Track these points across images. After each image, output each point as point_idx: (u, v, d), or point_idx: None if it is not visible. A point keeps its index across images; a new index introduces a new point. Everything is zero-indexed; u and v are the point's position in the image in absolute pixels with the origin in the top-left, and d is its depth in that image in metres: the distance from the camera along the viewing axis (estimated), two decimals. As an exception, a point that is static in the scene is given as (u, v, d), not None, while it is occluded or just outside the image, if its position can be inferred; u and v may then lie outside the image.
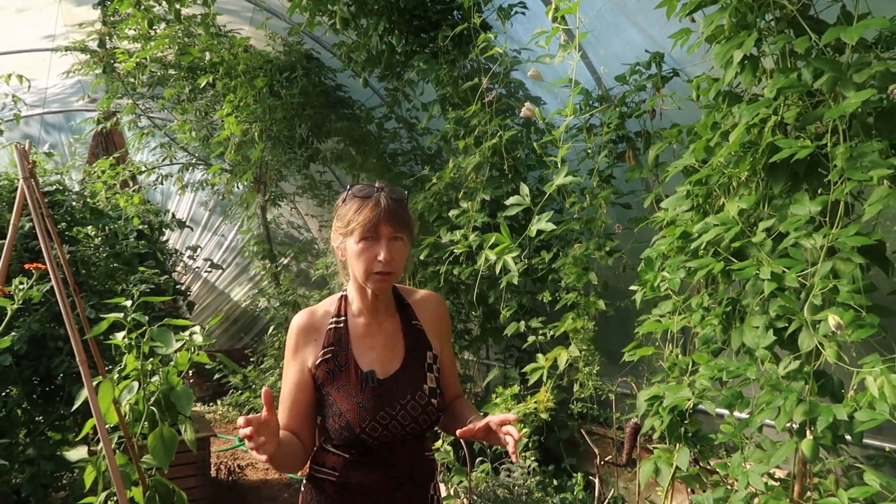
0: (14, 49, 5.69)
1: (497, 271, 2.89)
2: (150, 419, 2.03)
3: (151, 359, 2.08)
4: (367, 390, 1.57)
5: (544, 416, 3.28)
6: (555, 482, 3.56)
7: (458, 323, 4.09)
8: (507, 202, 2.59)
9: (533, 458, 3.40)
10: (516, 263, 2.84)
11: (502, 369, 3.98)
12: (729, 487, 2.05)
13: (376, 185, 1.60)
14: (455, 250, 3.32)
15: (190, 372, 2.18)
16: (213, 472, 4.63)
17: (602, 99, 3.16)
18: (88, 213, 3.63)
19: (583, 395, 3.19)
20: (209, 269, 7.52)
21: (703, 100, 2.17)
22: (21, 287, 2.09)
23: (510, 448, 1.41)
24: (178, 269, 6.77)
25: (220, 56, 4.94)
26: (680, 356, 2.22)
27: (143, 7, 4.58)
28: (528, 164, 3.47)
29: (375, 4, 3.82)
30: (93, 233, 3.93)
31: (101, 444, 1.98)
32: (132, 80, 5.69)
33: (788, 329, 1.72)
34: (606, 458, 3.15)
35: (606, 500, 3.22)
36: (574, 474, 3.62)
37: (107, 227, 3.93)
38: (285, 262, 7.73)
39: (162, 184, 6.64)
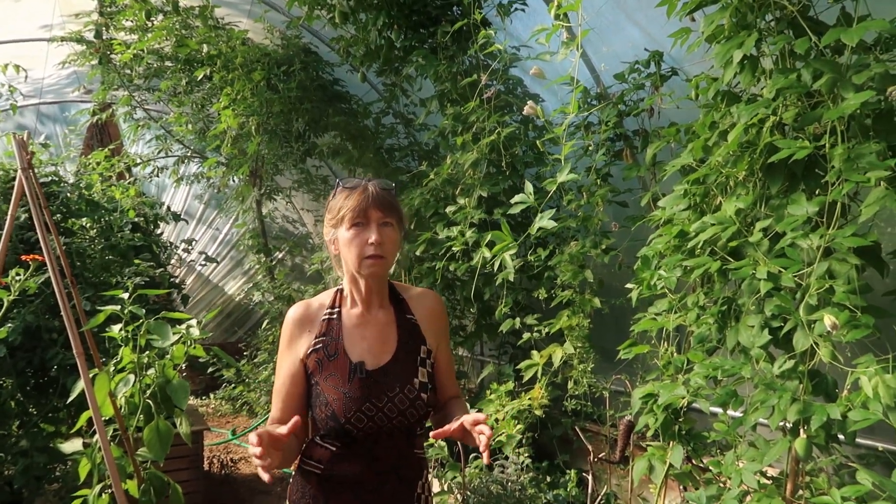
0: (10, 38, 5.66)
1: (494, 268, 2.90)
2: (145, 412, 2.03)
3: (148, 352, 2.08)
4: (354, 381, 1.57)
5: (538, 412, 3.28)
6: (548, 478, 3.57)
7: (454, 319, 4.09)
8: (512, 200, 2.59)
9: (526, 455, 3.41)
10: (513, 260, 2.84)
11: (497, 366, 3.98)
12: (722, 485, 2.07)
13: (364, 177, 1.64)
14: (454, 247, 3.32)
15: (183, 365, 2.17)
16: (205, 466, 4.62)
17: (600, 97, 3.17)
18: (84, 205, 3.61)
19: (577, 393, 3.20)
20: (203, 263, 7.50)
21: (702, 99, 2.18)
22: (18, 278, 2.09)
23: (482, 447, 1.40)
24: (173, 262, 6.75)
25: (218, 49, 4.93)
26: (675, 354, 2.23)
27: (140, -2, 4.56)
28: (526, 161, 3.48)
29: (375, -1, 3.81)
30: (88, 225, 3.91)
31: (96, 437, 1.98)
32: (128, 71, 5.67)
33: (784, 328, 1.73)
34: (600, 455, 3.17)
35: (599, 497, 3.23)
36: (567, 471, 3.64)
37: (102, 220, 3.91)
38: (280, 256, 7.72)
39: (157, 176, 6.62)
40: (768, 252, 1.79)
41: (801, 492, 1.97)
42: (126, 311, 2.06)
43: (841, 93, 1.63)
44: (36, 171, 2.17)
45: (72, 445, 2.24)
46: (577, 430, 3.39)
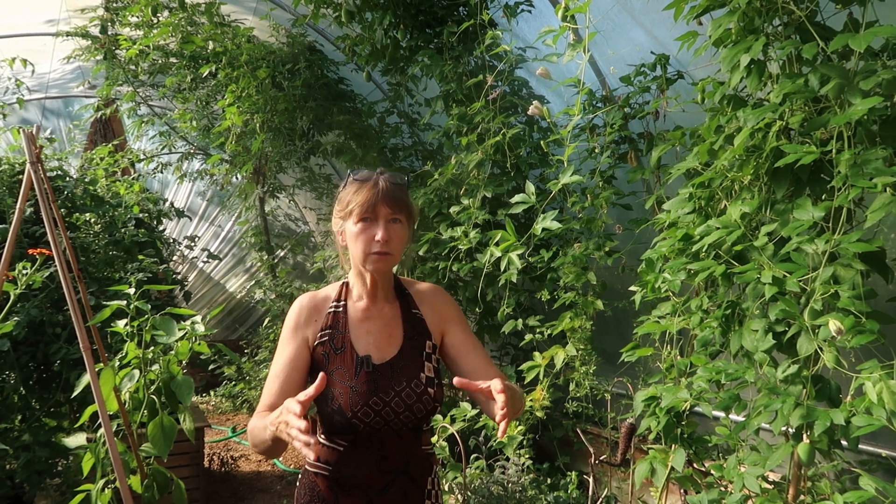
0: (15, 33, 5.67)
1: (502, 268, 2.90)
2: (149, 408, 2.03)
3: (152, 347, 2.08)
4: (361, 374, 1.56)
5: (539, 414, 3.29)
6: (549, 480, 3.57)
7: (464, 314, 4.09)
8: (513, 200, 2.59)
9: (527, 456, 3.41)
10: (518, 261, 2.85)
11: (499, 367, 3.98)
12: (723, 489, 2.07)
13: (378, 170, 1.63)
14: (459, 246, 3.33)
15: (184, 362, 2.18)
16: (205, 463, 4.63)
17: (606, 99, 3.17)
18: (89, 200, 3.62)
19: (578, 395, 3.20)
20: (206, 260, 7.50)
21: (708, 103, 2.18)
22: (24, 272, 2.09)
23: (497, 419, 1.30)
24: (175, 258, 6.76)
25: (224, 46, 4.94)
26: (678, 358, 2.23)
27: (147, -6, 4.57)
28: (530, 163, 3.48)
29: (381, -2, 3.82)
30: (92, 220, 3.92)
31: (100, 431, 1.98)
32: (133, 67, 5.67)
33: (788, 333, 1.73)
34: (601, 458, 3.17)
35: (600, 500, 3.24)
36: (568, 473, 3.64)
37: (106, 215, 3.92)
38: (282, 254, 7.72)
39: (161, 172, 6.63)
40: (773, 256, 1.79)
41: (802, 497, 1.97)
42: (132, 307, 2.06)
43: (848, 98, 1.64)
44: (44, 165, 2.17)
45: (75, 440, 2.25)
46: (579, 432, 3.40)
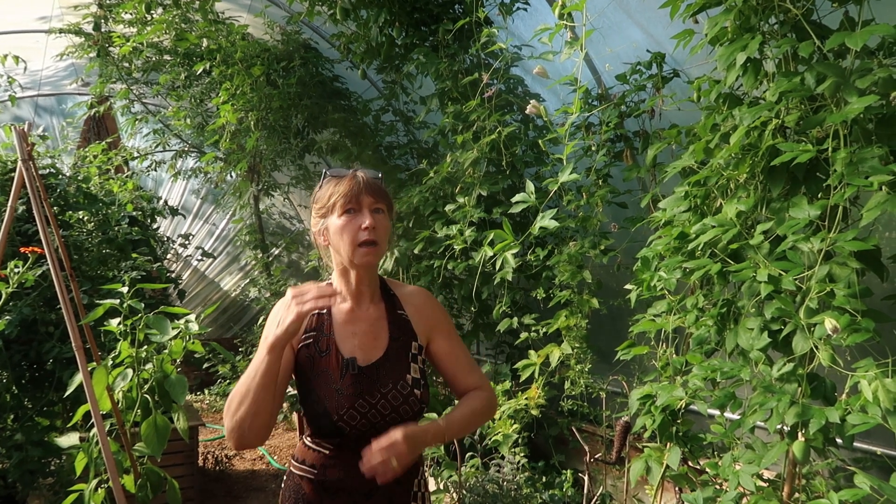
0: (7, 30, 5.63)
1: (494, 267, 2.89)
2: (143, 407, 2.02)
3: (146, 346, 2.06)
4: (346, 377, 1.54)
5: (535, 412, 3.29)
6: (544, 478, 3.57)
7: (451, 318, 4.09)
8: (513, 200, 2.59)
9: (522, 454, 3.41)
10: (514, 260, 2.84)
11: (494, 365, 3.98)
12: (718, 487, 2.07)
13: (352, 166, 1.62)
14: (454, 245, 3.32)
15: (178, 361, 2.17)
16: (200, 462, 4.61)
17: (602, 97, 3.17)
18: (82, 198, 3.60)
19: (573, 393, 3.20)
20: (200, 258, 7.48)
21: (704, 101, 2.18)
22: (17, 270, 2.07)
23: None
24: (169, 256, 6.73)
25: (218, 43, 4.91)
26: (673, 356, 2.23)
27: (140, -9, 4.54)
28: (526, 161, 3.48)
29: (376, -5, 3.80)
30: (85, 218, 3.90)
31: (93, 431, 1.97)
32: (127, 64, 5.64)
33: (783, 331, 1.74)
34: (596, 456, 3.17)
35: (595, 498, 3.24)
36: (563, 471, 3.64)
37: (100, 213, 3.89)
38: (277, 252, 7.71)
39: (155, 170, 6.60)
40: (769, 255, 1.79)
41: (797, 495, 1.97)
42: (125, 305, 2.05)
43: (844, 97, 1.64)
44: (35, 162, 2.15)
45: (68, 440, 2.23)
46: (574, 430, 3.40)
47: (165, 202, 5.70)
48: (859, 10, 1.72)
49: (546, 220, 2.50)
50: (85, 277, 3.39)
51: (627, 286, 2.33)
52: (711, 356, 2.08)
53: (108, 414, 2.13)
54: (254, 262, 7.04)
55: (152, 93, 5.95)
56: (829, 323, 1.54)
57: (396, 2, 3.79)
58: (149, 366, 2.07)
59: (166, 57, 5.53)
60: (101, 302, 2.04)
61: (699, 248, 1.97)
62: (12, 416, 3.09)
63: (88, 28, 5.46)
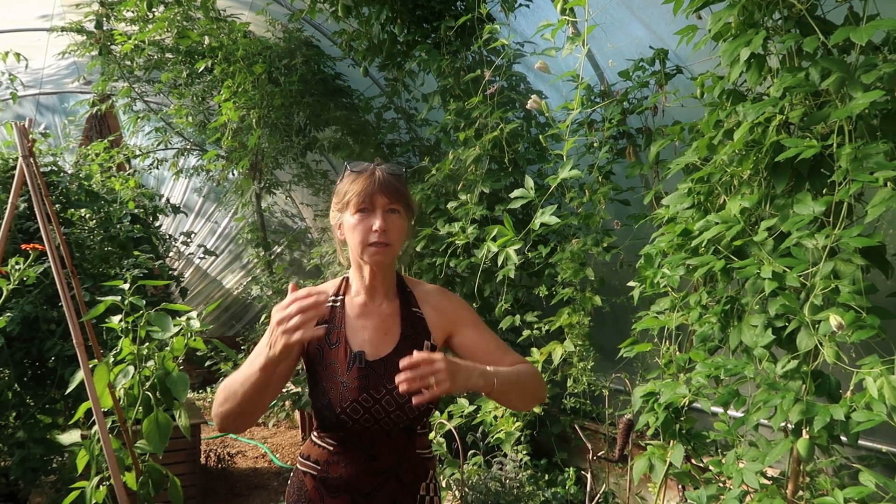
0: (9, 28, 5.63)
1: (497, 264, 2.89)
2: (144, 404, 2.02)
3: (147, 343, 2.06)
4: (353, 370, 1.53)
5: (537, 410, 3.28)
6: (546, 476, 3.57)
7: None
8: (512, 195, 2.58)
9: (525, 452, 3.41)
10: (516, 257, 2.84)
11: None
12: (722, 485, 2.06)
13: (374, 161, 1.60)
14: (456, 242, 3.31)
15: (180, 359, 2.16)
16: (202, 460, 4.62)
17: (604, 94, 3.16)
18: (83, 196, 3.59)
19: (576, 391, 3.20)
20: (202, 256, 7.49)
21: (707, 97, 2.17)
22: (17, 267, 2.07)
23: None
24: (171, 254, 6.74)
25: (219, 41, 4.91)
26: (677, 353, 2.22)
27: (142, -12, 4.53)
28: (528, 158, 3.47)
29: (378, -7, 3.79)
30: (87, 215, 3.89)
31: (95, 428, 1.97)
32: (129, 62, 5.64)
33: (787, 328, 1.73)
34: (599, 454, 3.16)
35: (598, 496, 3.23)
36: (566, 469, 3.64)
37: (101, 210, 3.89)
38: (279, 250, 7.71)
39: (157, 168, 6.60)
40: (773, 251, 1.78)
41: (801, 492, 1.97)
42: (126, 302, 2.04)
43: (849, 92, 1.63)
44: (37, 159, 2.15)
45: (69, 437, 2.23)
46: (576, 428, 3.39)
47: (167, 200, 5.69)
48: (864, 5, 1.71)
49: (546, 217, 2.50)
50: (87, 275, 3.39)
51: (630, 283, 2.33)
52: (715, 353, 2.07)
53: (110, 411, 2.12)
54: (256, 260, 7.04)
55: (154, 91, 5.95)
56: (833, 320, 1.53)
57: (398, -1, 3.78)
58: (150, 363, 2.06)
59: (168, 55, 5.53)
60: (102, 299, 2.03)
61: (703, 245, 1.96)
62: (14, 414, 3.09)
63: (90, 26, 5.45)
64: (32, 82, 6.45)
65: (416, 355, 1.35)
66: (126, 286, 2.05)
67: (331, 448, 1.58)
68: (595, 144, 3.01)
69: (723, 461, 1.94)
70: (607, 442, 3.53)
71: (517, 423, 3.23)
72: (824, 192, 1.74)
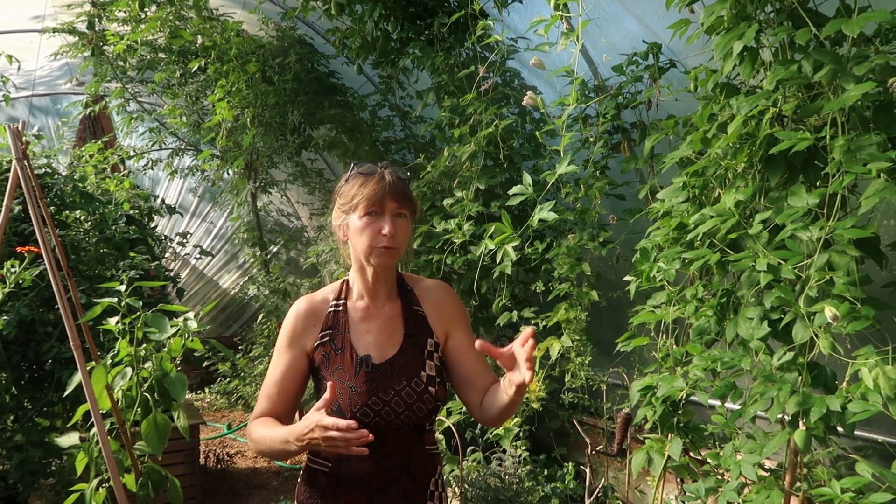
0: (0, 29, 5.60)
1: (497, 260, 2.89)
2: (142, 405, 2.02)
3: (145, 345, 2.06)
4: (360, 374, 1.55)
5: (535, 405, 3.29)
6: (545, 471, 3.58)
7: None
8: (511, 192, 2.58)
9: (524, 448, 3.42)
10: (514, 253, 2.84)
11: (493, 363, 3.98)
12: (720, 477, 2.07)
13: (381, 163, 1.59)
14: (453, 239, 3.31)
15: (178, 359, 2.16)
16: (201, 460, 4.62)
17: (598, 89, 3.16)
18: (78, 197, 3.58)
19: (574, 386, 3.20)
20: (198, 256, 7.47)
21: (701, 91, 2.17)
22: (13, 270, 2.06)
23: (525, 375, 1.32)
24: (167, 255, 6.72)
25: (212, 40, 4.89)
26: (673, 347, 2.23)
27: (134, -11, 4.52)
28: (524, 154, 3.47)
29: (371, -10, 3.78)
30: (82, 217, 3.88)
31: (93, 430, 1.97)
32: (121, 63, 5.62)
33: (783, 320, 1.73)
34: (597, 448, 3.17)
35: (597, 490, 3.24)
36: (565, 464, 3.65)
37: (96, 212, 3.88)
38: (275, 249, 7.70)
39: (151, 169, 6.58)
40: (768, 244, 1.79)
41: (799, 483, 1.98)
42: (123, 304, 2.04)
43: (841, 84, 1.63)
44: (31, 161, 2.14)
45: (68, 439, 2.23)
46: (575, 422, 3.40)
47: (163, 201, 5.68)
48: (856, -3, 1.71)
49: (544, 213, 2.50)
50: (82, 277, 3.38)
51: (627, 278, 2.33)
52: (711, 346, 2.08)
53: (108, 413, 2.12)
54: (252, 260, 7.03)
55: (147, 91, 5.93)
56: (828, 311, 1.53)
57: (391, -4, 3.78)
58: (148, 364, 2.06)
59: (161, 55, 5.51)
60: (98, 301, 2.03)
61: (698, 239, 1.96)
62: (12, 417, 3.09)
63: (82, 27, 5.43)
64: (25, 84, 6.42)
65: (527, 335, 1.35)
66: (122, 288, 2.05)
67: None
68: (590, 139, 3.01)
69: (720, 454, 1.95)
70: (606, 436, 3.54)
71: (516, 420, 3.24)
72: (818, 184, 1.75)
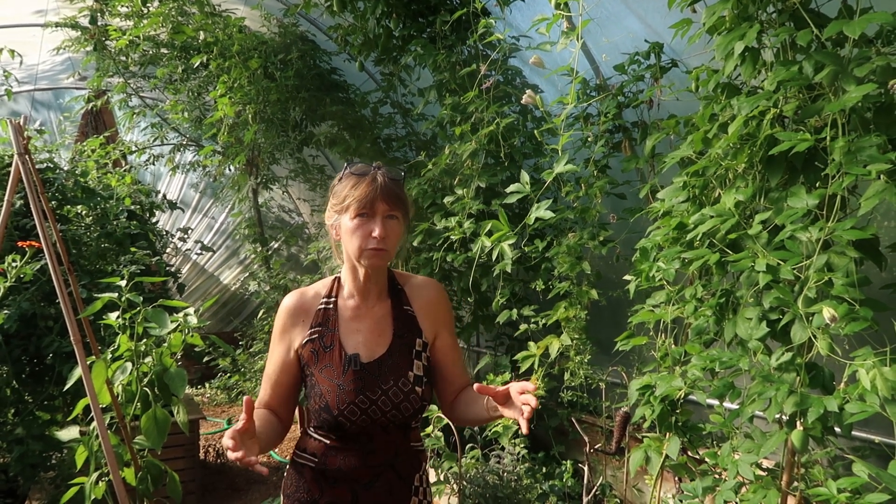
0: (2, 24, 5.60)
1: (493, 259, 2.89)
2: (142, 400, 2.03)
3: (145, 339, 2.07)
4: (349, 373, 1.56)
5: (534, 403, 3.28)
6: (544, 469, 3.58)
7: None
8: (508, 189, 2.58)
9: (522, 446, 3.42)
10: (512, 251, 2.84)
11: (493, 357, 3.99)
12: (717, 476, 2.08)
13: (374, 164, 1.60)
14: (451, 237, 3.32)
15: (178, 354, 2.17)
16: (201, 455, 4.63)
17: (600, 88, 3.16)
18: (80, 192, 3.59)
19: (573, 384, 3.21)
20: (199, 252, 7.48)
21: (702, 91, 2.18)
22: (14, 265, 2.07)
23: (524, 418, 1.33)
24: (168, 251, 6.73)
25: (215, 36, 4.89)
26: (672, 346, 2.23)
27: (136, -16, 4.52)
28: (525, 152, 3.47)
29: (373, -13, 3.78)
30: (84, 212, 3.89)
31: (93, 424, 1.97)
32: (124, 58, 5.62)
33: (782, 321, 1.74)
34: (596, 446, 3.18)
35: (595, 488, 3.25)
36: (563, 462, 3.66)
37: (98, 207, 3.89)
38: (276, 245, 7.70)
39: (153, 164, 6.58)
40: (767, 244, 1.79)
41: (796, 483, 1.98)
42: (123, 299, 2.05)
43: (842, 85, 1.63)
44: (32, 156, 2.15)
45: (68, 433, 2.24)
46: (574, 421, 3.41)
47: (164, 196, 5.68)
48: (857, -1, 1.71)
49: (541, 211, 2.50)
50: (84, 272, 3.38)
51: (626, 277, 2.33)
52: (710, 346, 2.09)
53: (108, 407, 2.13)
54: (253, 256, 7.04)
55: (150, 86, 5.93)
56: (826, 312, 1.54)
57: (393, -7, 3.78)
58: (148, 359, 2.07)
59: (163, 50, 5.51)
60: (99, 296, 2.04)
61: (698, 239, 1.97)
62: (13, 411, 3.10)
63: (85, 22, 5.43)
64: (27, 78, 6.42)
65: (527, 389, 1.37)
66: (123, 283, 2.06)
67: (328, 442, 1.61)
68: (591, 138, 3.01)
69: (718, 453, 1.96)
70: (604, 435, 3.54)
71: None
72: (818, 185, 1.75)
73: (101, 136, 5.94)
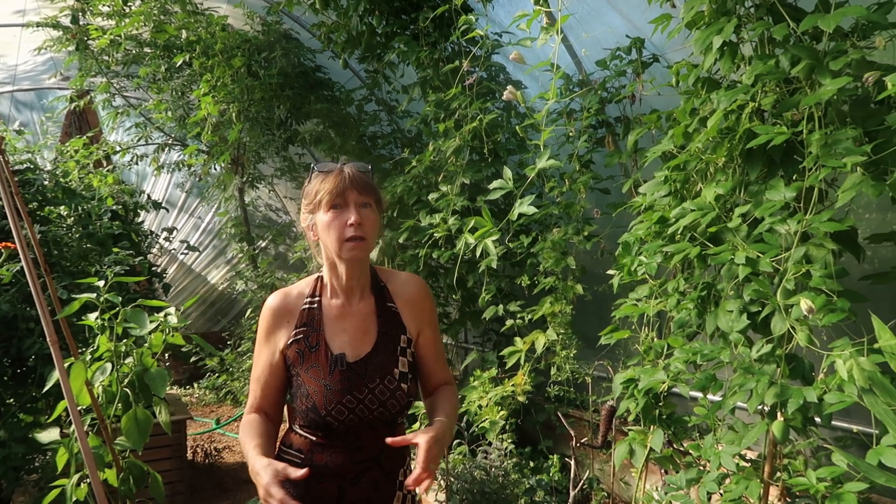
0: (-18, 24, 5.54)
1: (477, 255, 2.89)
2: (123, 401, 2.01)
3: (125, 340, 2.05)
4: (335, 373, 1.56)
5: (521, 399, 3.30)
6: (531, 464, 3.59)
7: (437, 306, 4.09)
8: (491, 186, 2.58)
9: (510, 441, 3.43)
10: (496, 247, 2.84)
11: (480, 353, 3.99)
12: (701, 468, 2.09)
13: (340, 161, 1.63)
14: (435, 234, 3.31)
15: (166, 355, 2.16)
16: (189, 455, 4.60)
17: (582, 83, 3.16)
18: (61, 193, 3.56)
19: (560, 379, 3.22)
20: (185, 252, 7.43)
21: (683, 86, 2.18)
22: (-9, 266, 2.05)
23: (410, 479, 1.40)
24: (154, 251, 6.68)
25: (197, 34, 4.86)
26: (655, 340, 2.24)
27: (117, -18, 4.47)
28: (508, 148, 3.47)
29: (356, -16, 3.77)
30: (65, 213, 3.85)
31: (73, 426, 1.96)
32: (106, 57, 5.56)
33: (762, 313, 1.75)
34: (582, 441, 3.19)
35: (582, 482, 3.26)
36: (550, 456, 3.67)
37: (80, 208, 3.85)
38: (263, 244, 7.66)
39: (137, 164, 6.53)
40: (747, 237, 1.80)
41: (778, 473, 2.00)
42: (102, 299, 2.03)
43: (818, 79, 1.64)
44: (11, 158, 2.12)
45: (48, 435, 2.22)
46: (560, 415, 3.42)
47: (148, 196, 5.64)
48: (834, -8, 1.72)
49: (524, 206, 2.51)
50: (65, 272, 3.35)
51: (610, 271, 2.34)
52: (692, 339, 2.10)
53: (89, 408, 2.12)
54: (240, 255, 7.00)
55: (133, 86, 5.88)
56: (804, 304, 1.55)
57: (376, -10, 3.76)
58: (129, 359, 2.05)
59: (146, 49, 5.46)
60: (78, 297, 2.02)
61: (679, 232, 1.98)
62: (-5, 414, 3.06)
63: (66, 21, 5.37)
64: (8, 79, 6.35)
65: (424, 468, 1.40)
66: (101, 283, 2.04)
67: (314, 439, 1.61)
68: (574, 134, 3.01)
69: (702, 445, 1.97)
70: (591, 429, 3.56)
71: (502, 412, 3.25)
72: (796, 177, 1.76)
73: (85, 137, 5.88)
